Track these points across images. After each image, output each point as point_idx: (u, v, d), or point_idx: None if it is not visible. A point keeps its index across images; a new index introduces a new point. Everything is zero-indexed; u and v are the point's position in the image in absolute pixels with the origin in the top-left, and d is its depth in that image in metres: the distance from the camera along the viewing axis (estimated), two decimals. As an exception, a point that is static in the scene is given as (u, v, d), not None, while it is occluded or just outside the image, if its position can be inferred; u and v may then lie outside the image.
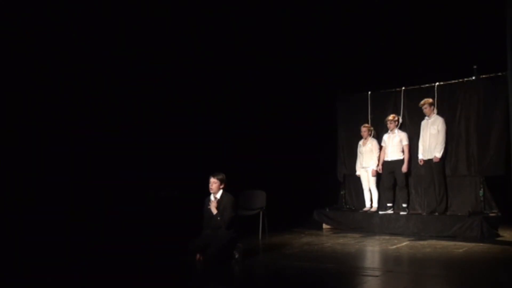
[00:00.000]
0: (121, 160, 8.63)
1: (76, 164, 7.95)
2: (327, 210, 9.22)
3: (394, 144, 8.51)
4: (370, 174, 8.80)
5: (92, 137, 8.24)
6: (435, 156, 7.97)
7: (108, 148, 8.58)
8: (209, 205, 6.14)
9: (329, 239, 7.82)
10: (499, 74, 7.61)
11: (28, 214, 7.15)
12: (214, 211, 6.09)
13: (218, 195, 6.19)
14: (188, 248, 5.99)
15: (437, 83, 8.46)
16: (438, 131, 7.99)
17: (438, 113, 8.17)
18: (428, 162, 8.12)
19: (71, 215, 7.58)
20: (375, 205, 8.81)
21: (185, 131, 9.72)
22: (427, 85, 8.58)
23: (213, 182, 6.18)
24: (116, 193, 8.08)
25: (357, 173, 9.08)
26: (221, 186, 6.20)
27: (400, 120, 8.72)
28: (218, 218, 6.05)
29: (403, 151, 8.46)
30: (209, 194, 6.26)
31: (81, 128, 8.07)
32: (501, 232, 7.50)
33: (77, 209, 7.72)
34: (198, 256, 5.96)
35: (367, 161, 8.82)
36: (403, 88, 8.88)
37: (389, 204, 8.58)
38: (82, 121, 8.13)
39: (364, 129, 8.90)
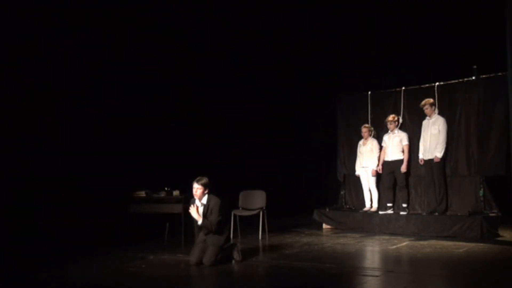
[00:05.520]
0: (117, 159, 8.65)
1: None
2: (327, 210, 9.21)
3: (394, 144, 8.51)
4: (370, 174, 8.80)
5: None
6: (435, 156, 7.97)
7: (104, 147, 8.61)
8: (193, 209, 5.94)
9: (329, 239, 7.82)
10: (499, 74, 7.61)
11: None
12: (198, 218, 5.91)
13: (204, 200, 6.02)
14: (189, 262, 5.86)
15: (437, 83, 8.46)
16: (439, 131, 7.99)
17: (438, 113, 8.17)
18: (429, 162, 8.12)
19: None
20: (375, 205, 8.81)
21: (185, 131, 9.73)
22: (427, 85, 8.57)
23: (197, 189, 5.98)
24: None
25: (357, 173, 9.08)
26: (206, 191, 6.01)
27: (400, 120, 8.72)
28: (204, 225, 5.88)
29: (403, 151, 8.46)
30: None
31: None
32: (501, 232, 7.50)
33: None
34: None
35: (367, 160, 8.82)
36: (403, 88, 8.88)
37: (389, 204, 8.57)
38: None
39: (364, 130, 8.90)
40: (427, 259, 6.04)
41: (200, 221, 5.91)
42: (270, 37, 10.31)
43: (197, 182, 6.01)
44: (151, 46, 9.20)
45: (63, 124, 8.27)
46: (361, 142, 9.03)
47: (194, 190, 6.01)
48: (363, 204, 9.02)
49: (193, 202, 6.05)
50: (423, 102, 8.16)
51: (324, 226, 9.03)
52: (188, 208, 6.03)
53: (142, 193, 7.79)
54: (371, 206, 8.84)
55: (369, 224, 8.47)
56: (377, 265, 6.05)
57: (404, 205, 8.42)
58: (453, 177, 8.20)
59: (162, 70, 9.46)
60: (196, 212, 5.94)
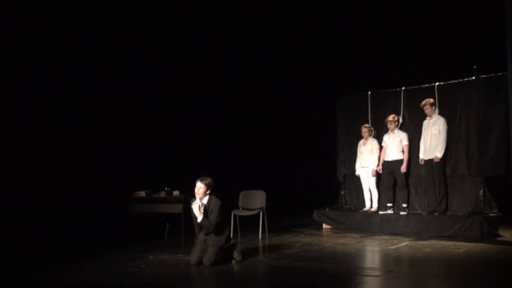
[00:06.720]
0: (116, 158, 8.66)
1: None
2: (327, 210, 9.21)
3: (394, 144, 8.50)
4: (370, 174, 8.80)
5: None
6: (435, 156, 7.97)
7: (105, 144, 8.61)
8: (196, 205, 5.91)
9: (329, 239, 7.82)
10: (499, 74, 7.60)
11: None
12: (199, 215, 5.88)
13: (205, 200, 5.97)
14: (189, 262, 5.85)
15: (437, 83, 8.46)
16: (439, 131, 7.99)
17: (439, 113, 8.17)
18: (429, 162, 8.12)
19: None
20: (375, 205, 8.81)
21: (185, 131, 9.73)
22: (427, 85, 8.57)
23: (200, 188, 5.92)
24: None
25: (357, 172, 9.08)
26: (208, 192, 5.96)
27: (400, 120, 8.72)
28: (203, 223, 5.87)
29: (403, 151, 8.46)
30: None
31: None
32: (501, 232, 7.49)
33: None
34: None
35: (367, 160, 8.82)
36: (403, 88, 8.87)
37: (389, 204, 8.57)
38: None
39: (364, 130, 8.90)
40: (427, 259, 6.04)
41: (199, 219, 5.90)
42: (270, 37, 10.31)
43: (201, 181, 5.97)
44: (151, 46, 9.20)
45: (63, 123, 8.27)
46: (361, 142, 9.03)
47: (196, 189, 5.96)
48: (363, 204, 9.02)
49: (194, 200, 6.02)
50: (423, 102, 8.15)
51: (324, 226, 9.03)
52: (190, 205, 5.99)
53: (142, 193, 7.80)
54: (371, 206, 8.84)
55: (369, 224, 8.46)
56: (377, 265, 6.05)
57: (404, 205, 8.42)
58: (453, 177, 8.19)
59: (162, 70, 9.46)
60: (198, 209, 5.92)
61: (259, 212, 7.84)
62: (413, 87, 8.78)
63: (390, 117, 8.56)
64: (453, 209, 8.08)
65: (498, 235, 7.38)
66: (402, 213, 8.32)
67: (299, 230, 8.81)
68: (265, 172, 10.06)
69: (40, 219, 7.57)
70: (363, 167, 8.94)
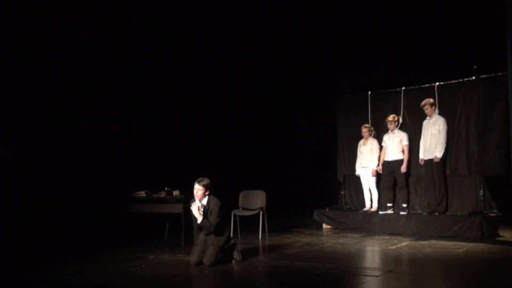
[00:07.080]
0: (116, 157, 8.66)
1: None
2: (327, 210, 9.21)
3: (394, 144, 8.51)
4: (370, 174, 8.80)
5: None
6: (435, 156, 7.97)
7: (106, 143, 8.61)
8: (195, 207, 5.92)
9: (329, 239, 7.82)
10: (499, 74, 7.60)
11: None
12: (198, 216, 5.89)
13: (204, 201, 5.99)
14: (189, 262, 5.85)
15: (437, 83, 8.46)
16: (439, 131, 7.99)
17: (439, 113, 8.17)
18: (429, 162, 8.12)
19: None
20: (375, 205, 8.81)
21: (185, 131, 9.74)
22: (427, 85, 8.57)
23: (198, 189, 5.95)
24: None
25: (357, 172, 9.08)
26: (206, 193, 5.98)
27: (400, 120, 8.72)
28: (203, 224, 5.87)
29: (403, 151, 8.46)
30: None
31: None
32: (501, 232, 7.50)
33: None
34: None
35: (367, 160, 8.82)
36: (403, 88, 8.87)
37: (389, 204, 8.57)
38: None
39: (365, 130, 8.90)
40: (427, 259, 6.04)
41: (199, 220, 5.90)
42: (270, 37, 10.32)
43: (199, 183, 5.99)
44: (151, 45, 9.21)
45: (64, 123, 8.28)
46: (361, 142, 9.03)
47: (195, 191, 5.99)
48: (363, 204, 9.02)
49: (193, 201, 6.04)
50: (423, 102, 8.15)
51: (324, 226, 9.03)
52: (189, 206, 5.99)
53: (142, 193, 7.80)
54: (371, 206, 8.84)
55: (369, 224, 8.46)
56: (377, 265, 6.05)
57: (404, 205, 8.42)
58: (453, 177, 8.19)
59: (162, 70, 9.47)
60: (197, 210, 5.93)
61: (259, 212, 7.84)
62: (413, 87, 8.78)
63: (390, 117, 8.56)
64: (453, 209, 8.08)
65: (498, 235, 7.39)
66: (402, 213, 8.32)
67: (299, 230, 8.81)
68: (265, 172, 10.07)
69: (40, 219, 7.57)
70: (363, 167, 8.94)
